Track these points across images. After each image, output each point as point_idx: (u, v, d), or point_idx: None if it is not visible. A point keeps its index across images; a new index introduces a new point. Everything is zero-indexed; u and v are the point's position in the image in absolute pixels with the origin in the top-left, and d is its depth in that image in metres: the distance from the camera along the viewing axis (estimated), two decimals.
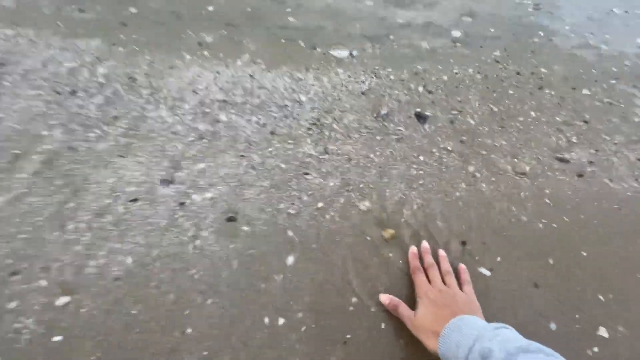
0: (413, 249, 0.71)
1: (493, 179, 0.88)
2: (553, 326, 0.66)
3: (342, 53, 1.19)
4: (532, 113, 1.07)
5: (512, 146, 0.96)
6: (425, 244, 0.72)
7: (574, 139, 1.01)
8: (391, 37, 1.30)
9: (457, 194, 0.84)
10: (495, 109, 1.06)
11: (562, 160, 0.94)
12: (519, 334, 0.47)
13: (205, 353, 0.58)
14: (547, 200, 0.85)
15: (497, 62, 1.26)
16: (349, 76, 1.10)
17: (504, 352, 0.40)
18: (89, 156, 0.80)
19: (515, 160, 0.93)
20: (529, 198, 0.85)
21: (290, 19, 1.31)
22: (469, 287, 0.64)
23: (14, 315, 0.59)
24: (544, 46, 1.37)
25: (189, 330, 0.60)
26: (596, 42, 1.43)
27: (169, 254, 0.68)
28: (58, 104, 0.90)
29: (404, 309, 0.60)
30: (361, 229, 0.76)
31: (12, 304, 0.60)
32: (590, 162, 0.95)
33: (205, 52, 1.11)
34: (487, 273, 0.72)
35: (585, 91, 1.18)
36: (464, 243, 0.75)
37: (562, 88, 1.18)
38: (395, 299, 0.63)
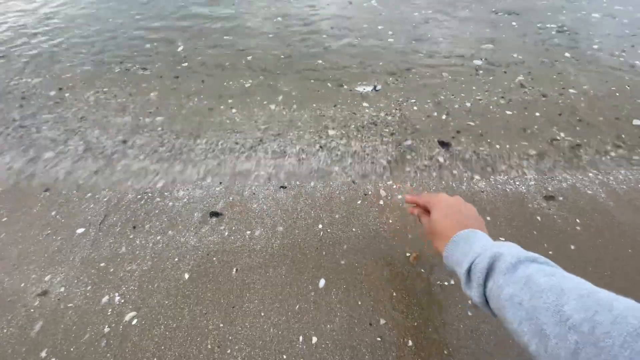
0: (407, 196, 0.70)
1: None
2: None
3: (367, 88, 1.29)
4: (562, 134, 1.07)
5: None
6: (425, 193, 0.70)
7: None
8: (413, 70, 1.38)
9: None
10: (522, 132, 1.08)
11: None
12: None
13: None
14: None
15: (522, 86, 1.28)
16: (373, 109, 1.19)
17: (515, 258, 0.41)
18: None
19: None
20: None
21: (319, 61, 1.45)
22: None
23: None
24: (571, 67, 1.37)
25: None
26: (629, 60, 1.40)
27: None
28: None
29: (424, 218, 0.62)
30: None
31: None
32: None
33: (245, 96, 1.26)
34: None
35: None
36: None
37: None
38: (420, 210, 0.65)
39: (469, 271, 0.45)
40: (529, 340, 0.35)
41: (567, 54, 1.46)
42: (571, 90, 1.25)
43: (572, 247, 0.77)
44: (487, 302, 0.43)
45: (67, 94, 1.31)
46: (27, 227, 0.85)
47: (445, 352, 0.61)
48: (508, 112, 1.16)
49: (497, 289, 0.40)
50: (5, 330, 0.67)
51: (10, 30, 1.77)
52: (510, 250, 0.44)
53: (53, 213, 0.88)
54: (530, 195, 0.88)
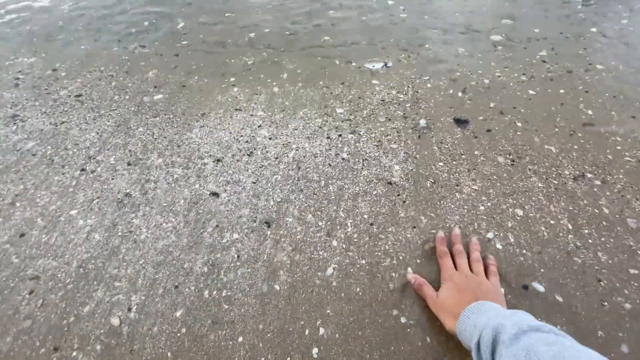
0: (440, 233, 0.70)
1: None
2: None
3: (377, 65, 1.21)
4: (590, 112, 0.98)
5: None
6: (456, 230, 0.70)
7: None
8: (427, 46, 1.29)
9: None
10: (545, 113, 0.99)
11: None
12: (534, 318, 0.46)
13: None
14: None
15: (544, 62, 1.18)
16: (384, 87, 1.11)
17: (516, 328, 0.41)
18: None
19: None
20: None
21: (326, 37, 1.37)
22: (495, 278, 0.62)
23: None
24: (598, 42, 1.27)
25: None
26: None
27: None
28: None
29: (427, 289, 0.61)
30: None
31: None
32: None
33: (248, 74, 1.19)
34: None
35: None
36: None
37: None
38: (420, 278, 0.63)
39: (478, 346, 0.45)
40: None
41: (593, 29, 1.36)
42: (599, 66, 1.15)
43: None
44: None
45: (63, 74, 1.25)
46: None
47: None
48: (530, 90, 1.07)
49: None
50: None
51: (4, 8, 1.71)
52: (514, 320, 0.43)
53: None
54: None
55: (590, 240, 0.70)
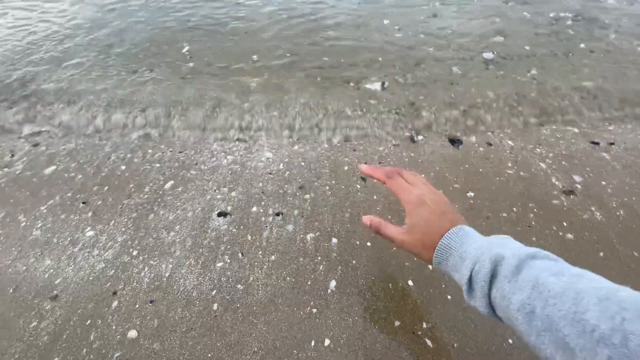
0: (362, 165, 0.60)
1: None
2: None
3: (375, 85, 1.27)
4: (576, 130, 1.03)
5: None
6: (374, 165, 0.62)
7: None
8: (422, 65, 1.35)
9: None
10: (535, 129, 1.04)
11: None
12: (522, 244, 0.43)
13: None
14: None
15: (534, 79, 1.24)
16: (382, 106, 1.17)
17: (517, 259, 0.38)
18: None
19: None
20: None
21: (325, 58, 1.43)
22: None
23: None
24: (586, 59, 1.32)
25: None
26: None
27: None
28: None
29: (388, 226, 0.52)
30: None
31: None
32: None
33: (250, 96, 1.25)
34: None
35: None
36: None
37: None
38: (376, 218, 0.54)
39: (470, 280, 0.41)
40: (552, 353, 0.32)
41: (582, 45, 1.41)
42: (585, 84, 1.21)
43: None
44: (493, 310, 0.40)
45: (75, 99, 1.32)
46: None
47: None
48: (520, 108, 1.13)
49: (503, 298, 0.37)
50: None
51: (19, 37, 1.80)
52: (510, 249, 0.40)
53: None
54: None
55: None
